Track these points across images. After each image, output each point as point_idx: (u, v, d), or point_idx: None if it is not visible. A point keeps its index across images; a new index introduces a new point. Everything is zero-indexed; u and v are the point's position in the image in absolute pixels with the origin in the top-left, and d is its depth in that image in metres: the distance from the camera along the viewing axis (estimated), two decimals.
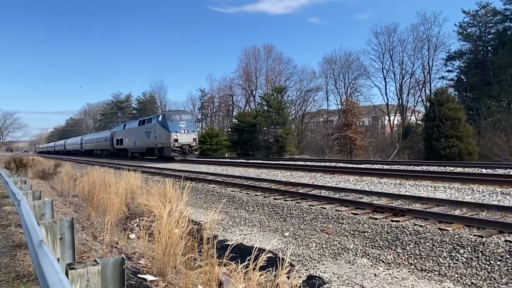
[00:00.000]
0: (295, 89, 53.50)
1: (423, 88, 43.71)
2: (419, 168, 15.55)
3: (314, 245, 6.18)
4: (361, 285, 4.58)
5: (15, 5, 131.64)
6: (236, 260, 4.14)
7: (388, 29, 45.66)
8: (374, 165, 17.69)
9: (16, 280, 3.61)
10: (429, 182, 10.58)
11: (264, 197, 9.76)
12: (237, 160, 26.41)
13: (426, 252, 5.23)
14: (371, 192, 9.12)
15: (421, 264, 5.03)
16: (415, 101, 45.04)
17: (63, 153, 70.79)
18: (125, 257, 2.22)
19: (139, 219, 7.04)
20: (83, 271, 1.92)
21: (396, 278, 4.74)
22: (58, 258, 3.03)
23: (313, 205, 8.13)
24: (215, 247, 4.21)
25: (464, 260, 4.84)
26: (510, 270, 4.43)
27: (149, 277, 4.21)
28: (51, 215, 4.60)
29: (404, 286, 4.52)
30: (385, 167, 16.67)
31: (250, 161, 24.41)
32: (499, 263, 4.59)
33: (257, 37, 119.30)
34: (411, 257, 5.24)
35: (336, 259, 5.54)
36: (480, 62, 37.12)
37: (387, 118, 47.96)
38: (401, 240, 5.69)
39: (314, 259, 5.58)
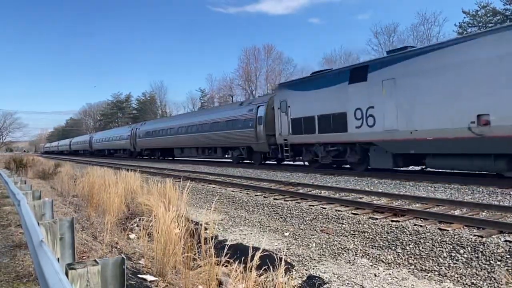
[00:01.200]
0: None
1: None
2: (419, 168, 15.53)
3: (314, 245, 6.18)
4: (361, 285, 4.58)
5: (15, 5, 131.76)
6: (236, 260, 4.14)
7: (388, 29, 45.80)
8: None
9: (16, 280, 3.62)
10: (429, 182, 10.57)
11: (264, 197, 9.76)
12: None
13: (426, 252, 5.23)
14: (371, 192, 9.12)
15: (421, 264, 5.03)
16: None
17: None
18: (125, 257, 2.22)
19: (139, 219, 7.04)
20: (83, 271, 1.92)
21: (396, 278, 4.74)
22: (58, 258, 3.04)
23: (313, 205, 8.13)
24: (215, 247, 4.22)
25: (464, 260, 4.84)
26: (510, 270, 4.43)
27: (149, 277, 4.21)
28: (51, 215, 4.60)
29: (404, 286, 4.51)
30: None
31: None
32: (499, 263, 4.59)
33: (258, 37, 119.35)
34: (411, 257, 5.24)
35: (336, 259, 5.54)
36: None
37: None
38: (401, 240, 5.68)
39: (314, 259, 5.57)
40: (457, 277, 4.57)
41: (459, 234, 5.38)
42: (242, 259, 3.97)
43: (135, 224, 7.45)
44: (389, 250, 5.58)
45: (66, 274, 1.90)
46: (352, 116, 13.02)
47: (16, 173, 16.15)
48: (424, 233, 5.66)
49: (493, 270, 4.51)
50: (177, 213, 5.03)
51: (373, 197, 8.68)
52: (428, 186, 9.97)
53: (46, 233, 3.08)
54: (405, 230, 5.90)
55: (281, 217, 7.94)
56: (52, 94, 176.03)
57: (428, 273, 4.80)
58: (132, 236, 6.64)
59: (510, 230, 5.30)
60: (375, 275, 4.85)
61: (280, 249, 5.99)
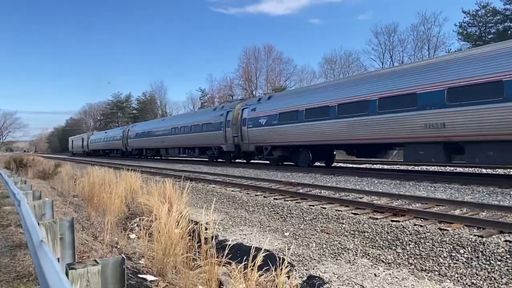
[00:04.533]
0: None
1: None
2: (419, 168, 15.55)
3: (314, 245, 6.18)
4: (361, 285, 4.58)
5: (15, 5, 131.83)
6: (236, 260, 4.14)
7: (388, 29, 45.83)
8: (374, 165, 17.69)
9: (16, 280, 3.62)
10: (429, 182, 10.57)
11: (264, 197, 9.76)
12: (237, 161, 26.32)
13: (426, 252, 5.22)
14: (371, 192, 9.12)
15: (421, 264, 5.03)
16: None
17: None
18: (125, 257, 2.22)
19: (139, 219, 7.04)
20: (83, 271, 1.92)
21: (396, 278, 4.74)
22: (58, 258, 3.04)
23: (313, 205, 8.13)
24: (215, 247, 4.22)
25: (464, 260, 4.84)
26: (510, 270, 4.42)
27: (149, 277, 4.21)
28: (51, 215, 4.60)
29: (404, 286, 4.51)
30: (385, 167, 16.68)
31: (250, 161, 24.36)
32: (499, 263, 4.59)
33: (258, 38, 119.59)
34: (411, 257, 5.24)
35: (336, 259, 5.54)
36: None
37: None
38: (401, 240, 5.68)
39: (314, 259, 5.57)
40: (457, 277, 4.57)
41: (459, 234, 5.38)
42: (243, 259, 3.96)
43: (135, 224, 7.45)
44: (389, 250, 5.58)
45: (66, 274, 1.90)
46: None
47: (16, 173, 16.14)
48: (424, 233, 5.66)
49: (493, 270, 4.51)
50: (177, 213, 5.03)
51: (373, 197, 8.68)
52: (428, 186, 9.97)
53: (46, 233, 3.08)
54: (405, 230, 5.90)
55: (281, 217, 7.94)
56: (52, 94, 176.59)
57: (428, 273, 4.80)
58: (132, 236, 6.64)
59: (510, 230, 5.29)
60: (375, 275, 4.84)
61: (280, 249, 5.99)
